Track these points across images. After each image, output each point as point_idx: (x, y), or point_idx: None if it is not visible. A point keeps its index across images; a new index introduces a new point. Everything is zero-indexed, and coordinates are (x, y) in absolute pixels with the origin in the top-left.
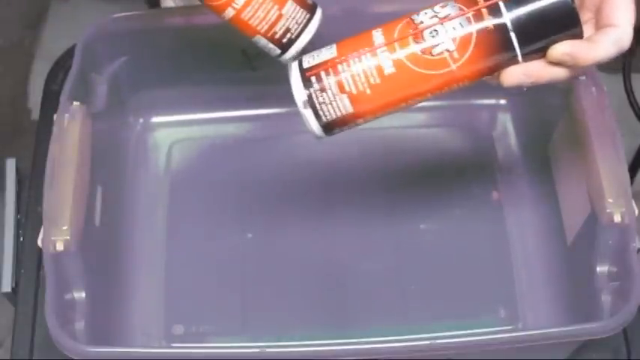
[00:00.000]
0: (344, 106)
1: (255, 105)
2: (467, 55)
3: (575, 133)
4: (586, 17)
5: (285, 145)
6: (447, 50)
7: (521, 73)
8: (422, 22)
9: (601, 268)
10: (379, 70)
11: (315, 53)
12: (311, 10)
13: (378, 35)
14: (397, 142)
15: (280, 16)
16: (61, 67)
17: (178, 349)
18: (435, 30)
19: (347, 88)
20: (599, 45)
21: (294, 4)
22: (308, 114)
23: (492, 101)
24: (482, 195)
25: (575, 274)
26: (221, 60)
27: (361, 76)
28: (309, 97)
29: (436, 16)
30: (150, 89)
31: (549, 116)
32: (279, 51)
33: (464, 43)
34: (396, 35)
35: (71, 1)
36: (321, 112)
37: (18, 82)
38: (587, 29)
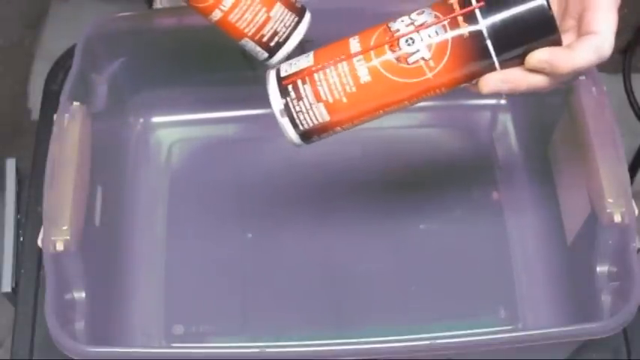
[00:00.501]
0: (320, 115)
1: (255, 105)
2: (443, 64)
3: (575, 133)
4: (569, 25)
5: (285, 145)
6: (423, 59)
7: (499, 80)
8: (398, 30)
9: (601, 268)
10: (355, 78)
11: (292, 61)
12: (299, 14)
13: (354, 43)
14: (397, 142)
15: (268, 18)
16: (61, 67)
17: (178, 349)
18: (411, 38)
19: (323, 97)
20: (578, 52)
21: (283, 7)
22: (285, 123)
23: (492, 101)
24: (482, 195)
25: (575, 274)
26: (221, 60)
27: (337, 84)
28: (286, 105)
29: (412, 23)
30: (150, 89)
31: (549, 116)
32: (266, 54)
33: (440, 51)
34: (372, 43)
35: (71, 1)
36: (298, 121)
37: (18, 82)
38: (570, 37)
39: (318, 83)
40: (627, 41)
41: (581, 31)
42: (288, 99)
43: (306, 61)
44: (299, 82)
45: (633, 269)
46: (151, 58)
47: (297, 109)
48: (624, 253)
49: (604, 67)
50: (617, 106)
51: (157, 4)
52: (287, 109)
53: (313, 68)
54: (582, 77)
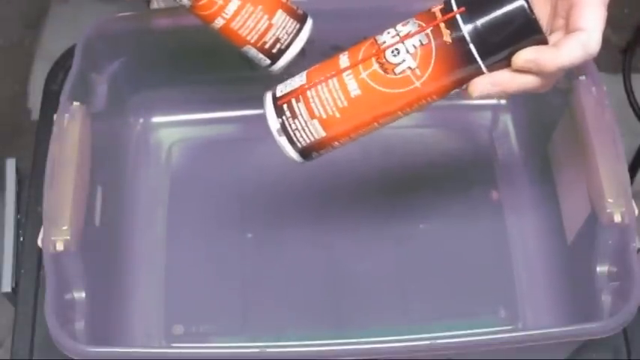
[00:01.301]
0: (316, 131)
1: (255, 105)
2: (429, 72)
3: (575, 133)
4: (558, 24)
5: None
6: (409, 68)
7: (488, 83)
8: (384, 42)
9: (601, 268)
10: (345, 92)
11: (287, 82)
12: (301, 20)
13: (343, 58)
14: (397, 142)
15: (270, 25)
16: (61, 67)
17: (178, 349)
18: (396, 49)
19: (317, 113)
20: (564, 50)
21: (285, 14)
22: (283, 141)
23: (492, 101)
24: (482, 195)
25: (575, 274)
26: (220, 60)
27: (329, 100)
28: (282, 124)
29: (397, 34)
30: (150, 89)
31: (549, 116)
32: (269, 61)
33: (425, 59)
34: (359, 57)
35: (71, 1)
36: (295, 139)
37: (18, 82)
38: (559, 36)
39: (311, 100)
40: (627, 41)
41: (568, 29)
42: (284, 118)
43: (299, 80)
44: (293, 101)
45: (633, 269)
46: (151, 58)
47: (293, 127)
48: (624, 253)
49: (604, 67)
50: (617, 106)
51: (154, 5)
52: (284, 128)
53: (306, 86)
54: (582, 77)
